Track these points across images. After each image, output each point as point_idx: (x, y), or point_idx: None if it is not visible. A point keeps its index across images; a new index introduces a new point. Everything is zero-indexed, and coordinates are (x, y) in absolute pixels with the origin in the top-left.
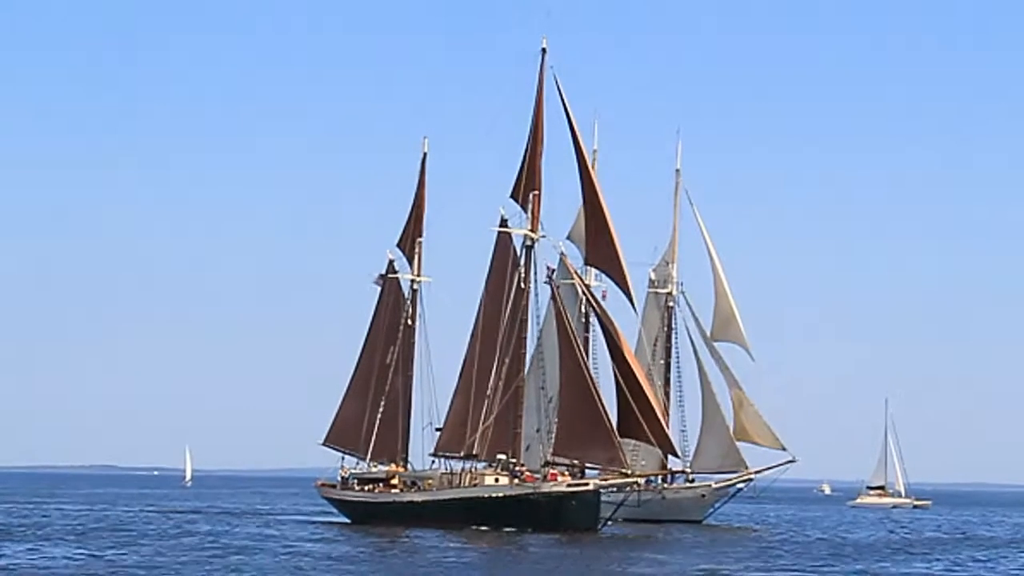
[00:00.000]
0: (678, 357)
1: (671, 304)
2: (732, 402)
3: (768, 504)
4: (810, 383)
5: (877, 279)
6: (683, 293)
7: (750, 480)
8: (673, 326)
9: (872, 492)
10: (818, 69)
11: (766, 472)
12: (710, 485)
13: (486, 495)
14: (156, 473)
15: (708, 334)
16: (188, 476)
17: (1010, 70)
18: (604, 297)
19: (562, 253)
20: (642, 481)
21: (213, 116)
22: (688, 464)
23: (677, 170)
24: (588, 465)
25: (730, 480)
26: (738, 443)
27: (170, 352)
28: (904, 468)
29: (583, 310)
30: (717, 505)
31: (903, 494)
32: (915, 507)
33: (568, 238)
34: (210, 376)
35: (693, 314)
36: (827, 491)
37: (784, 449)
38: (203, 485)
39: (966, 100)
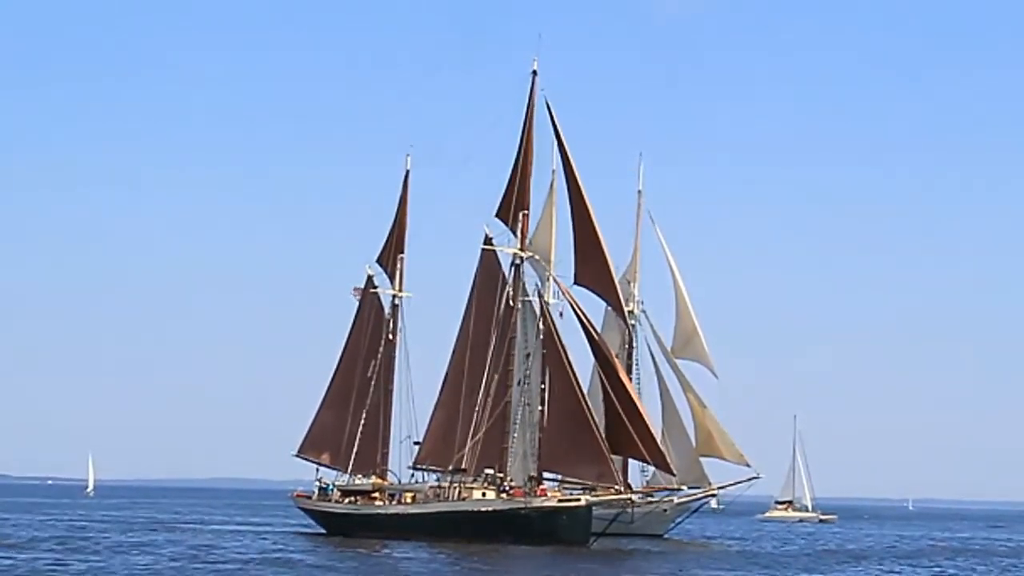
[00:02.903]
0: (639, 374)
1: (632, 322)
2: (695, 418)
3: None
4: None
5: (794, 294)
6: (644, 311)
7: (713, 495)
8: (634, 344)
9: (780, 507)
10: (781, 90)
11: (729, 488)
12: (672, 500)
13: (477, 509)
14: (50, 482)
15: (669, 351)
16: (90, 486)
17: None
18: (562, 315)
19: (549, 274)
20: (636, 498)
21: (188, 124)
22: (647, 480)
23: (639, 191)
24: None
25: (693, 495)
26: (702, 458)
27: (75, 356)
28: (811, 484)
29: (540, 327)
30: (679, 520)
31: (810, 509)
32: (821, 521)
33: None
34: (114, 384)
35: (654, 332)
36: (715, 505)
37: (748, 465)
38: (107, 495)
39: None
